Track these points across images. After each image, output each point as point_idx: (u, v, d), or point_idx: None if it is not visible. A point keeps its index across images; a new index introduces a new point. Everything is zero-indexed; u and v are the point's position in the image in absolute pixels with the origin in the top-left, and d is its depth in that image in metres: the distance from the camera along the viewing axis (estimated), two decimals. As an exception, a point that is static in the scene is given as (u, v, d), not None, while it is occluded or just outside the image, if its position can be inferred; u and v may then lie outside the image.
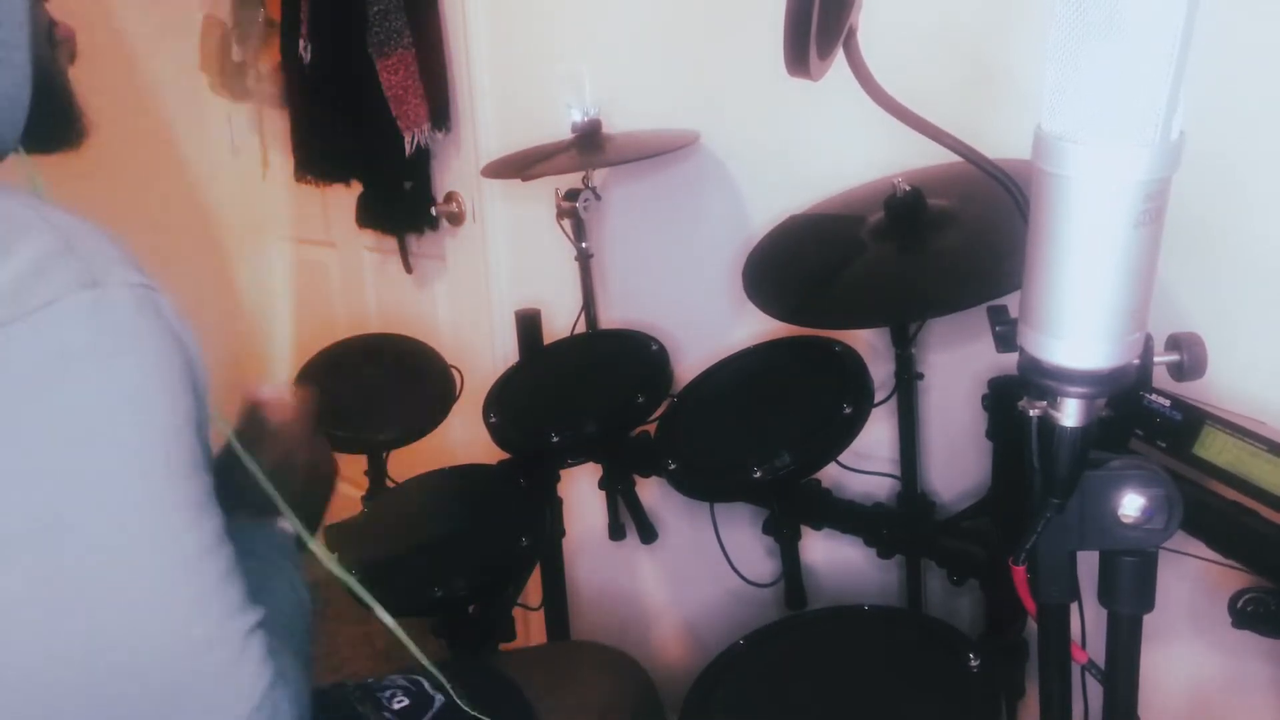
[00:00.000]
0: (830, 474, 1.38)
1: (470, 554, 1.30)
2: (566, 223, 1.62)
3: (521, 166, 1.50)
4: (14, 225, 0.53)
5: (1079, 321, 0.59)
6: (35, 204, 0.56)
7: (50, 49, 0.66)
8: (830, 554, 1.55)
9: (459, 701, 0.90)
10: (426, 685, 0.95)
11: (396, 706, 0.92)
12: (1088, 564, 0.70)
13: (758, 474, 1.10)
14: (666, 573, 1.86)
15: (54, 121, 0.67)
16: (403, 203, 2.01)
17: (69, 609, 0.51)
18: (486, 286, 1.97)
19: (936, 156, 1.12)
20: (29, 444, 0.50)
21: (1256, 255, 1.09)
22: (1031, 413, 0.65)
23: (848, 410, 1.12)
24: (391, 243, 2.14)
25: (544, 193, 1.69)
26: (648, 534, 1.58)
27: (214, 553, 0.55)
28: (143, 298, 0.53)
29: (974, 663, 0.96)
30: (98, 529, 0.51)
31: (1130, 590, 0.68)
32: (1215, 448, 0.90)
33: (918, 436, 1.36)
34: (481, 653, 1.32)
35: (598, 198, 1.60)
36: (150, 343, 0.53)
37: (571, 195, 1.58)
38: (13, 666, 0.51)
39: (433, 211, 2.00)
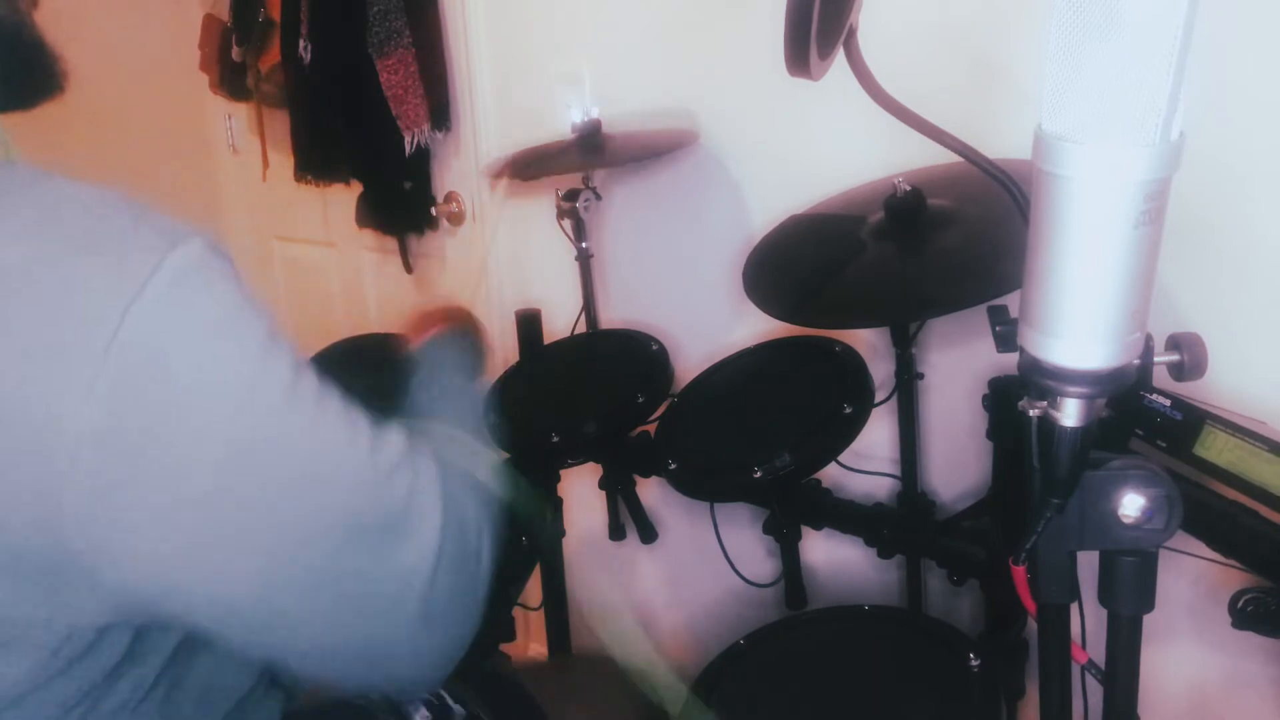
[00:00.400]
0: (830, 474, 1.38)
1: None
2: (566, 223, 1.62)
3: (521, 166, 1.50)
4: (95, 204, 0.58)
5: (1079, 321, 0.59)
6: (88, 183, 0.60)
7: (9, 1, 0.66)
8: (830, 554, 1.55)
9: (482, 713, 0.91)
10: (448, 698, 0.95)
11: (417, 719, 0.92)
12: (1088, 564, 0.70)
13: (758, 474, 1.10)
14: (666, 573, 1.86)
15: (27, 71, 0.67)
16: (403, 203, 2.01)
17: (291, 503, 0.59)
18: (486, 286, 1.97)
19: (936, 156, 1.12)
20: (197, 395, 0.55)
21: (1256, 255, 1.09)
22: (1032, 413, 0.65)
23: (848, 410, 1.12)
24: (391, 243, 2.14)
25: (544, 193, 1.69)
26: (648, 534, 1.58)
27: (351, 411, 0.64)
28: (206, 243, 0.59)
29: (974, 663, 0.96)
30: (281, 431, 0.59)
31: (1130, 590, 0.68)
32: (1215, 448, 0.90)
33: (918, 436, 1.36)
34: (480, 652, 1.32)
35: (598, 198, 1.60)
36: (232, 274, 0.60)
37: (571, 195, 1.58)
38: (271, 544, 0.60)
39: (433, 211, 2.00)
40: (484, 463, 0.80)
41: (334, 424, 0.63)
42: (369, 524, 0.63)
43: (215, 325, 0.57)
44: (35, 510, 0.53)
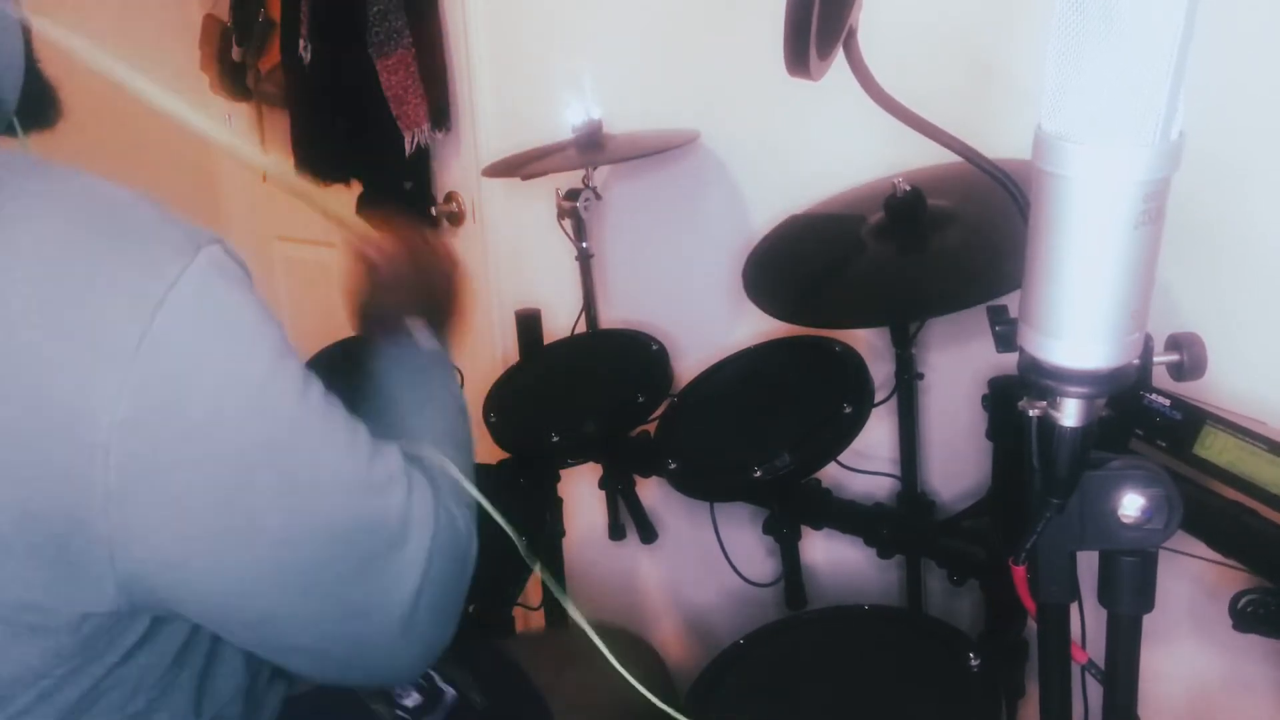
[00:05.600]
0: (830, 474, 1.38)
1: (470, 554, 1.30)
2: (567, 223, 1.62)
3: (521, 166, 1.50)
4: (113, 203, 0.60)
5: (1079, 321, 0.59)
6: (103, 179, 0.62)
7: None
8: (830, 554, 1.55)
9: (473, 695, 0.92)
10: (437, 679, 0.95)
11: (409, 704, 0.92)
12: (1088, 564, 0.70)
13: (758, 474, 1.10)
14: (666, 573, 1.86)
15: (30, 95, 0.69)
16: (403, 203, 2.01)
17: (293, 510, 0.62)
18: (486, 286, 1.97)
19: (936, 156, 1.12)
20: (216, 397, 0.58)
21: (1257, 255, 1.09)
22: (1031, 413, 0.65)
23: (848, 410, 1.12)
24: (392, 243, 2.14)
25: (544, 193, 1.69)
26: (648, 534, 1.58)
27: (352, 423, 0.66)
28: (224, 248, 0.61)
29: (974, 663, 0.96)
30: (290, 439, 0.62)
31: (1130, 590, 0.68)
32: (1215, 448, 0.90)
33: (918, 436, 1.36)
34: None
35: (598, 197, 1.60)
36: (248, 281, 0.62)
37: (572, 195, 1.58)
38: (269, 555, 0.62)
39: (433, 211, 2.00)
40: (469, 484, 0.82)
41: (338, 433, 0.65)
42: (361, 533, 0.65)
43: (236, 328, 0.60)
44: (64, 495, 0.55)
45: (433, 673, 0.96)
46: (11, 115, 0.67)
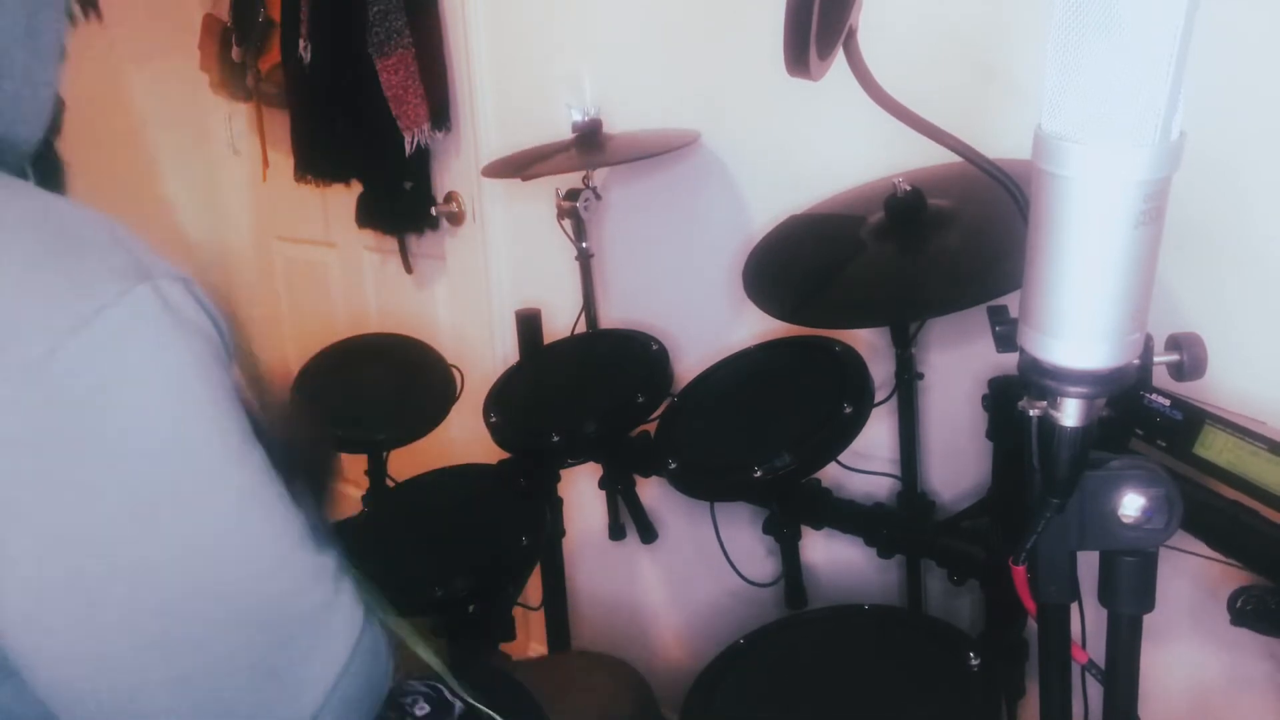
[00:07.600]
0: (830, 474, 1.38)
1: (470, 554, 1.30)
2: (566, 223, 1.62)
3: (521, 166, 1.50)
4: (66, 220, 0.57)
5: (1079, 321, 0.59)
6: (68, 199, 0.59)
7: None
8: (830, 554, 1.55)
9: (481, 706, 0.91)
10: (445, 691, 0.95)
11: (419, 713, 0.93)
12: (1088, 564, 0.70)
13: (758, 474, 1.10)
14: (666, 573, 1.86)
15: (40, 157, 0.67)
16: (403, 203, 2.01)
17: (183, 579, 0.56)
18: (486, 286, 1.97)
19: (936, 156, 1.12)
20: (119, 437, 0.53)
21: (1256, 255, 1.09)
22: (1031, 413, 0.65)
23: (848, 410, 1.12)
24: (391, 243, 2.14)
25: (544, 193, 1.69)
26: (648, 534, 1.58)
27: (287, 505, 0.61)
28: (185, 288, 0.58)
29: (974, 662, 0.96)
30: (196, 501, 0.56)
31: (1130, 590, 0.68)
32: (1215, 447, 0.90)
33: (918, 436, 1.36)
34: (481, 652, 1.32)
35: (598, 198, 1.60)
36: (201, 327, 0.58)
37: (572, 195, 1.58)
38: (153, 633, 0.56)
39: (433, 211, 2.00)
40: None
41: (267, 511, 0.59)
42: (265, 627, 0.58)
43: (164, 370, 0.55)
44: None
45: (441, 685, 0.96)
46: (26, 162, 0.64)
